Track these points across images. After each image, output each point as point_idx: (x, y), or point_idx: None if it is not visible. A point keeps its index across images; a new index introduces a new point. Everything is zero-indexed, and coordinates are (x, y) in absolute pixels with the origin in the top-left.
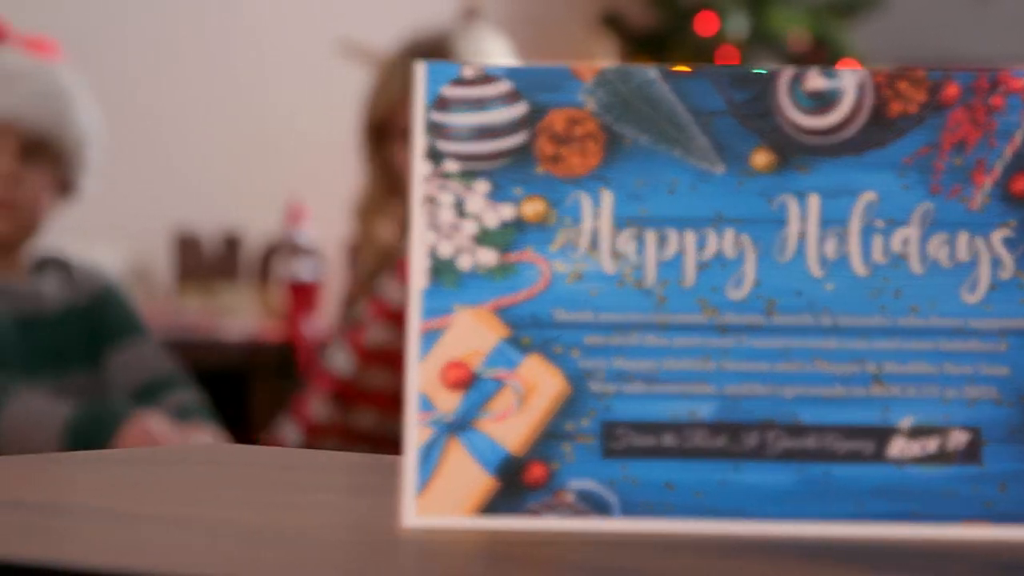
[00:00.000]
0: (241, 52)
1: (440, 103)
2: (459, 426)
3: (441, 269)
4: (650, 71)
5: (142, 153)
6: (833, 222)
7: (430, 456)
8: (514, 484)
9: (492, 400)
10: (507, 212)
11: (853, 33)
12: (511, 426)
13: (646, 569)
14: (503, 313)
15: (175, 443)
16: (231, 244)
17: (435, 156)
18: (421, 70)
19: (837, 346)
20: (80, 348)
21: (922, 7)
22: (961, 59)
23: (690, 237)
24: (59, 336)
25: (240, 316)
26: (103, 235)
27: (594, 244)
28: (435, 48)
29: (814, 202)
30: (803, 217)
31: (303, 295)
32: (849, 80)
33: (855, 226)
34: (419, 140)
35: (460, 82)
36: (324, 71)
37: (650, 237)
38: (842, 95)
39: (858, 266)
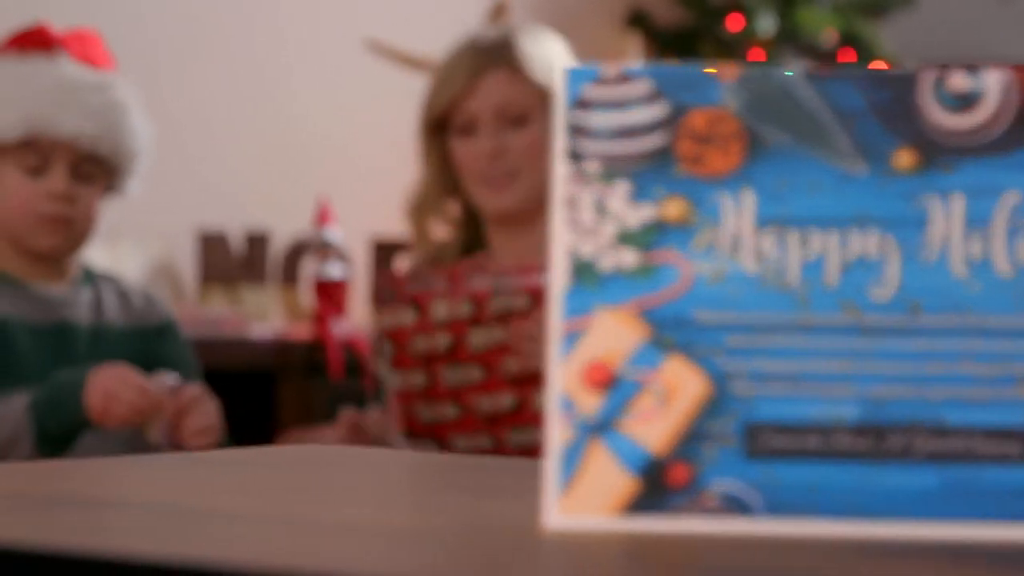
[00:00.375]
0: (267, 51)
1: (581, 104)
2: (601, 427)
3: (582, 270)
4: (792, 72)
5: (167, 152)
6: (977, 222)
7: (572, 457)
8: (657, 485)
9: (634, 401)
10: (648, 212)
11: (881, 32)
12: (653, 427)
13: (791, 571)
14: (644, 314)
15: (139, 391)
16: (256, 243)
17: (576, 157)
18: (562, 71)
19: (983, 348)
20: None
21: (950, 6)
22: (989, 59)
23: (833, 238)
24: (99, 353)
25: (266, 316)
26: (128, 234)
27: (736, 245)
28: (497, 47)
29: (958, 202)
30: (947, 218)
31: (332, 294)
32: (993, 80)
33: (999, 226)
34: (560, 141)
35: (600, 83)
36: (351, 70)
37: (792, 238)
38: (986, 95)
39: (1003, 267)
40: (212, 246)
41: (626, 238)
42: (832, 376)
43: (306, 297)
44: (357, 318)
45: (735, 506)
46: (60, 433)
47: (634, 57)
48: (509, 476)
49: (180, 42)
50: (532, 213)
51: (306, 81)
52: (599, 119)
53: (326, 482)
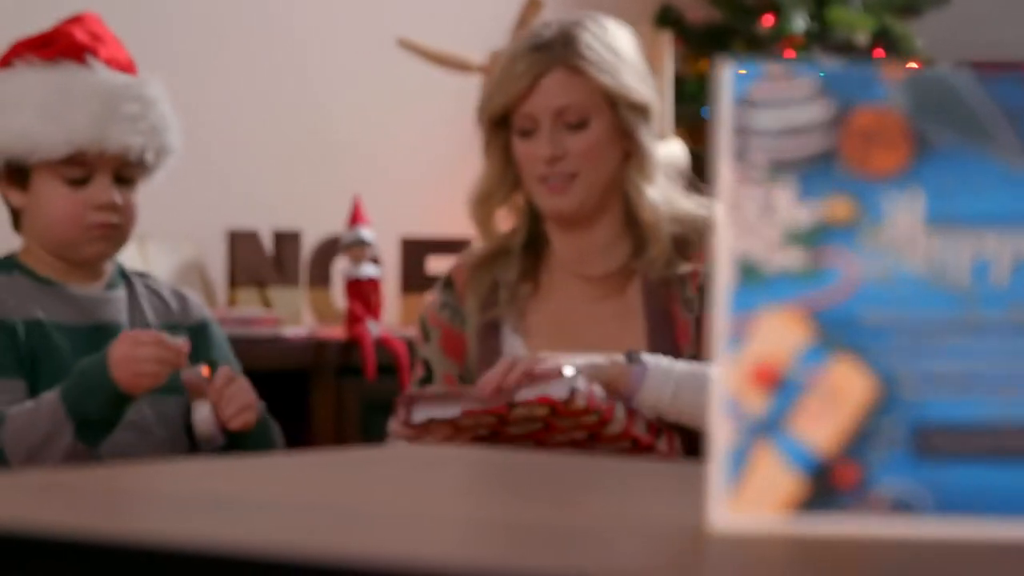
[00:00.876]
0: (297, 50)
1: (745, 102)
2: (768, 428)
3: (747, 270)
4: (959, 71)
5: (196, 153)
6: None
7: (739, 458)
8: (825, 486)
9: (801, 401)
10: (814, 212)
11: (915, 29)
12: (821, 428)
13: (964, 573)
14: (811, 314)
15: (156, 344)
16: (286, 243)
17: (741, 156)
18: (726, 69)
19: None
20: None
21: (983, 3)
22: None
23: (1002, 237)
24: None
25: (297, 315)
26: (157, 233)
27: (903, 244)
28: (558, 45)
29: None
30: None
31: (366, 294)
32: None
33: None
34: (725, 140)
35: (765, 81)
36: (380, 69)
37: (961, 237)
38: None
39: None
40: (242, 246)
41: (792, 238)
42: (1002, 376)
43: (337, 297)
44: (389, 317)
45: (904, 507)
46: (99, 416)
47: (666, 55)
48: (643, 478)
49: (208, 41)
50: (591, 214)
51: (334, 80)
52: (764, 118)
53: (460, 481)
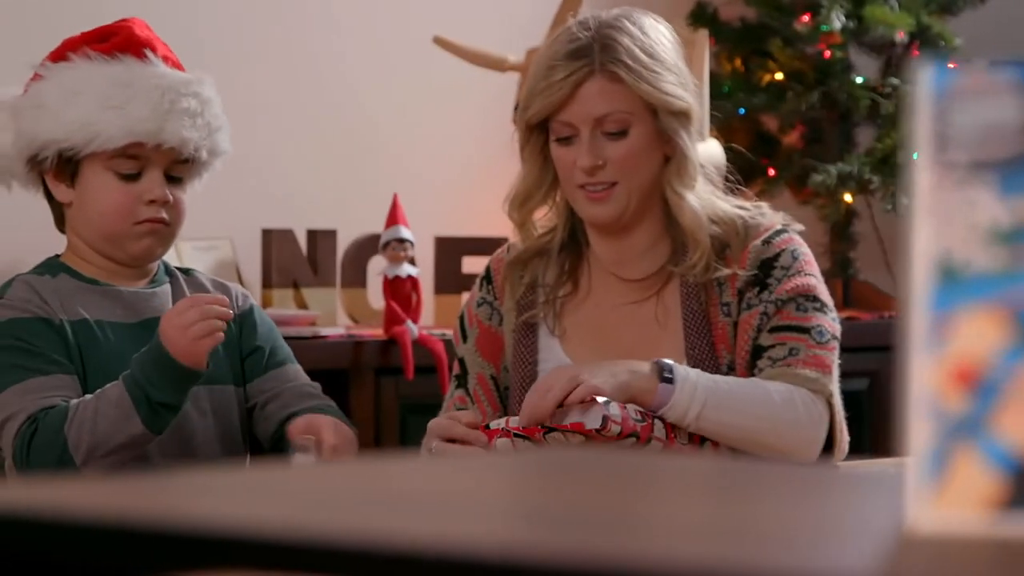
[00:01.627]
0: (334, 47)
1: (944, 102)
2: (969, 428)
3: (947, 269)
4: None
5: (232, 150)
6: None
7: (939, 458)
8: None
9: (1002, 401)
10: (1016, 210)
11: (952, 27)
12: (1022, 428)
13: None
14: (1011, 314)
15: (198, 303)
16: (322, 241)
17: (940, 156)
18: (924, 69)
19: None
20: (217, 360)
21: (1021, 1)
22: None
23: None
24: None
25: (333, 314)
26: (192, 232)
27: None
28: (597, 49)
29: None
30: None
31: (405, 292)
32: None
33: None
34: (924, 140)
35: (964, 80)
36: (418, 67)
37: None
38: None
39: None
40: (276, 245)
41: (992, 237)
42: None
43: (373, 296)
44: (423, 317)
45: None
46: (166, 399)
47: (703, 54)
48: (810, 481)
49: (243, 40)
50: (631, 220)
51: (369, 78)
52: (963, 118)
53: (655, 484)
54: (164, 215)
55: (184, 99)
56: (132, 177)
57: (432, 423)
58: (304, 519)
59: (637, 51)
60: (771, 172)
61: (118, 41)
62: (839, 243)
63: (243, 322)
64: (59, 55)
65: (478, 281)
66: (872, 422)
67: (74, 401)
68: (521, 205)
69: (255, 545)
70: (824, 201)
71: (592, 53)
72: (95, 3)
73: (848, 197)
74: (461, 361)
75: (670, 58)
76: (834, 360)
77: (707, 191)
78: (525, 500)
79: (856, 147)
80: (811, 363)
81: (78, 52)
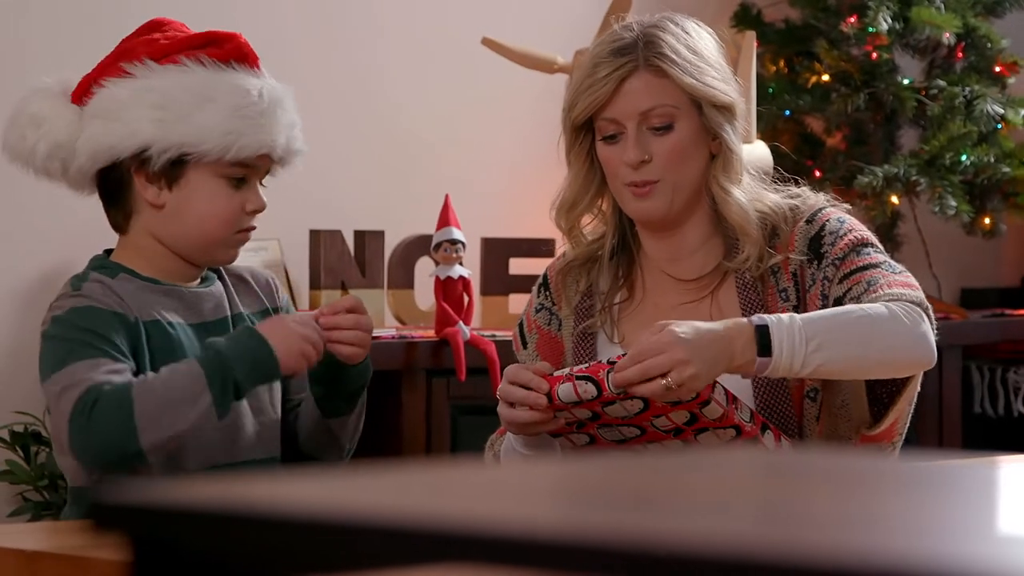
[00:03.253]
0: (381, 49)
1: None
2: None
3: None
4: None
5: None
6: None
7: None
8: None
9: None
10: None
11: (999, 28)
12: None
13: None
14: None
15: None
16: (369, 242)
17: None
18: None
19: None
20: None
21: None
22: None
23: None
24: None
25: (381, 315)
26: None
27: None
28: (640, 47)
29: None
30: None
31: (457, 293)
32: None
33: None
34: None
35: None
36: (465, 69)
37: None
38: None
39: None
40: (324, 246)
41: None
42: None
43: (421, 297)
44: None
45: None
46: (247, 382)
47: (751, 56)
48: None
49: (290, 43)
50: (680, 217)
51: (416, 80)
52: None
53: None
54: (255, 224)
55: (283, 111)
56: (239, 184)
57: (508, 367)
58: (541, 516)
59: (680, 47)
60: (816, 174)
61: (231, 48)
62: (883, 245)
63: (277, 312)
64: (160, 56)
65: (535, 288)
66: (916, 423)
67: (139, 376)
68: (568, 211)
69: (490, 541)
70: (870, 203)
71: (636, 49)
72: (125, 4)
73: (894, 199)
74: None
75: (713, 55)
76: (916, 284)
77: (753, 186)
78: (758, 498)
79: (899, 149)
80: (896, 284)
81: (189, 56)
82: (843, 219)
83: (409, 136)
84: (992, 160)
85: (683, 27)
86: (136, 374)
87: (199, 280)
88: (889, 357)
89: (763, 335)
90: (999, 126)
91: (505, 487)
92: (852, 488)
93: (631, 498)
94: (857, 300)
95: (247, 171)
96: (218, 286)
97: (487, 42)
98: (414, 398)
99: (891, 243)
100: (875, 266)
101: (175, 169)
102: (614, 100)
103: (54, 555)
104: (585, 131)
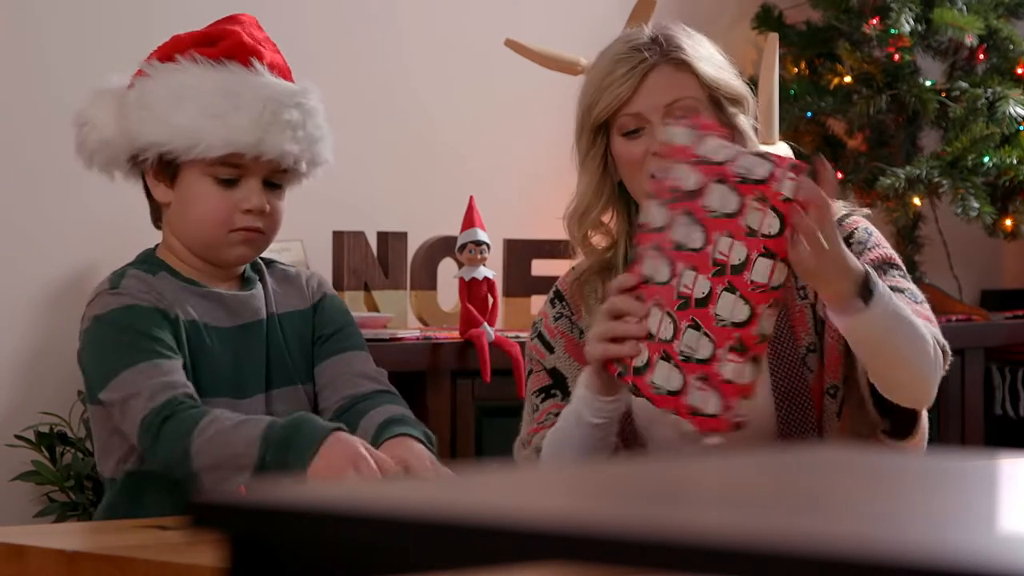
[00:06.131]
0: (405, 50)
1: None
2: None
3: None
4: None
5: (332, 159)
6: None
7: None
8: None
9: None
10: None
11: (1022, 31)
12: None
13: None
14: None
15: (368, 470)
16: (392, 243)
17: None
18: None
19: None
20: (296, 357)
21: None
22: None
23: None
24: (278, 342)
25: (404, 316)
26: None
27: None
28: (657, 43)
29: None
30: None
31: (482, 294)
32: None
33: None
34: None
35: None
36: (488, 70)
37: None
38: None
39: None
40: (347, 247)
41: None
42: None
43: (444, 298)
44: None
45: None
46: (278, 470)
47: (772, 57)
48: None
49: (312, 44)
50: None
51: (439, 81)
52: None
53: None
54: (259, 224)
55: (287, 110)
56: (230, 184)
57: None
58: (615, 513)
59: (695, 45)
60: (838, 175)
61: (226, 46)
62: (905, 246)
63: (314, 311)
64: (166, 54)
65: (547, 302)
66: (938, 424)
67: (219, 411)
68: (581, 218)
69: (578, 539)
70: (892, 204)
71: (655, 45)
72: (147, 7)
73: (916, 200)
74: (552, 371)
75: (718, 54)
76: (935, 319)
77: None
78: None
79: (921, 151)
80: (920, 316)
81: (185, 54)
82: (870, 230)
83: (431, 137)
84: (1014, 161)
85: (688, 31)
86: (184, 368)
87: (240, 281)
88: (908, 378)
89: (866, 286)
90: (1021, 128)
91: (587, 486)
92: (876, 483)
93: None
94: None
95: (237, 171)
96: (259, 290)
97: (510, 44)
98: (439, 399)
99: (913, 245)
100: (900, 291)
101: (172, 169)
102: (637, 95)
103: (94, 555)
104: (600, 134)
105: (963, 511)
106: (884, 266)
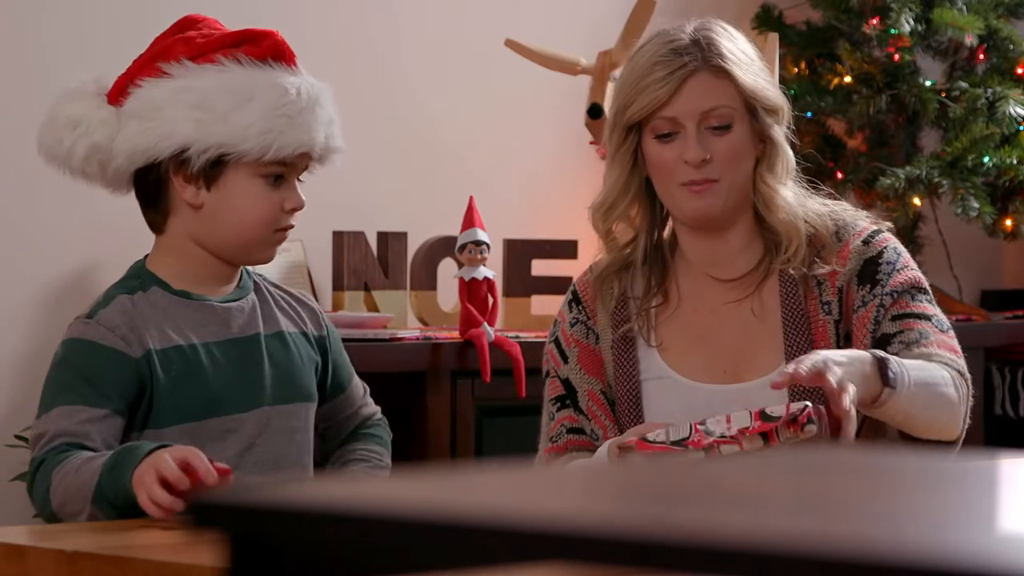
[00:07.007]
0: (404, 50)
1: None
2: None
3: None
4: None
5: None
6: None
7: None
8: None
9: None
10: None
11: (1021, 31)
12: None
13: None
14: None
15: (170, 472)
16: (392, 244)
17: None
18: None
19: None
20: (301, 374)
21: None
22: None
23: None
24: (277, 358)
25: (404, 316)
26: None
27: None
28: (697, 48)
29: None
30: None
31: (482, 295)
32: None
33: None
34: None
35: None
36: (487, 70)
37: None
38: None
39: None
40: (347, 247)
41: None
42: None
43: (444, 298)
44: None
45: None
46: (116, 509)
47: (774, 58)
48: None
49: (312, 43)
50: (728, 218)
51: (438, 81)
52: None
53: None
54: (294, 222)
55: (322, 109)
56: (277, 182)
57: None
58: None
59: (736, 49)
60: (838, 175)
61: (268, 46)
62: (905, 246)
63: (323, 345)
64: (197, 55)
65: (565, 304)
66: None
67: (76, 455)
68: (607, 212)
69: (578, 539)
70: (891, 204)
71: (696, 50)
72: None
73: (916, 200)
74: (566, 382)
75: (758, 60)
76: (959, 348)
77: (798, 191)
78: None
79: (921, 151)
80: (944, 347)
81: (226, 55)
82: (899, 251)
83: (431, 137)
84: (1014, 161)
85: (729, 31)
86: (132, 411)
87: (233, 287)
88: (935, 426)
89: (883, 368)
90: (1021, 128)
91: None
92: (876, 483)
93: (665, 494)
94: (907, 347)
95: (285, 169)
96: (250, 300)
97: (510, 44)
98: (439, 399)
99: (913, 245)
100: (927, 318)
101: (214, 169)
102: (675, 99)
103: (94, 555)
104: (632, 132)
105: (963, 511)
106: (912, 291)
